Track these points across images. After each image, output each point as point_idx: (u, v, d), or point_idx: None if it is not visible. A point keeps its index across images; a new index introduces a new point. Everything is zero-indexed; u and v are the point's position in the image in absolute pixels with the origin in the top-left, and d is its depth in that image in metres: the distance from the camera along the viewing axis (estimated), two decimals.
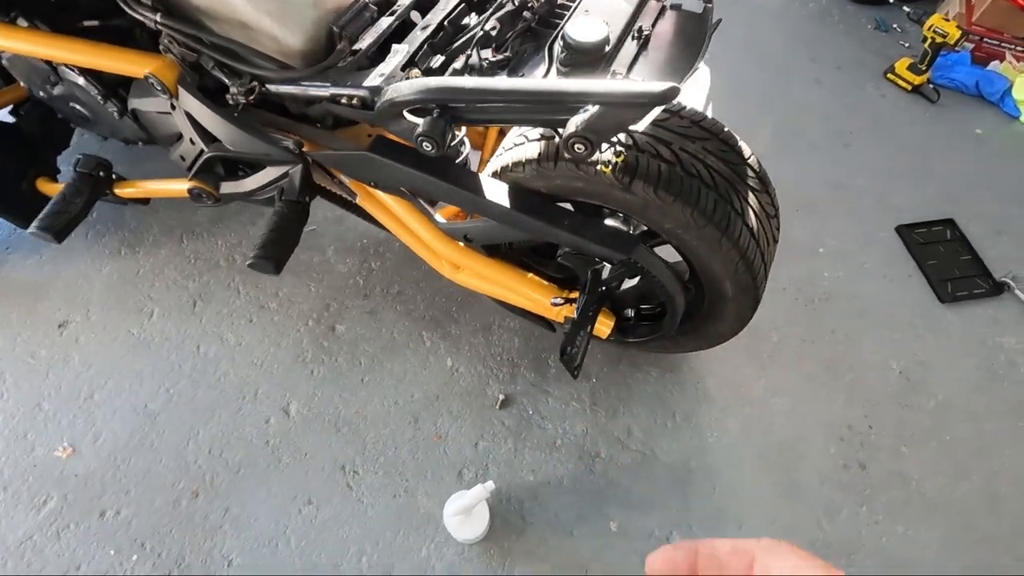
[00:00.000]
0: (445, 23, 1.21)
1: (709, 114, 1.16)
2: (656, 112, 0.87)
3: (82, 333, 1.78)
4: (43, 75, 1.59)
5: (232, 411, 1.66)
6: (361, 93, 1.15)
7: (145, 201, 1.75)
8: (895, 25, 2.71)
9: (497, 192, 1.21)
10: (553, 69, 0.92)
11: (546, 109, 0.81)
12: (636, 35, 0.98)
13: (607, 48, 0.92)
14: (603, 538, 1.49)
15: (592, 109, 0.78)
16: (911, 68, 2.42)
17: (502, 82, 0.80)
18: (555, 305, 1.26)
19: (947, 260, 1.96)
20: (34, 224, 1.51)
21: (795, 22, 2.72)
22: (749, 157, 1.22)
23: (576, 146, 0.83)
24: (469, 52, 1.02)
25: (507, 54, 1.01)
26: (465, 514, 1.25)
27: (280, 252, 1.34)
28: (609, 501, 1.54)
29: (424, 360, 1.75)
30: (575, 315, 1.17)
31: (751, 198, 1.19)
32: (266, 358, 1.75)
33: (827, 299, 1.89)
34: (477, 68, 0.99)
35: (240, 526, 1.50)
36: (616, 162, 1.10)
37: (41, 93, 1.66)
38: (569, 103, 0.76)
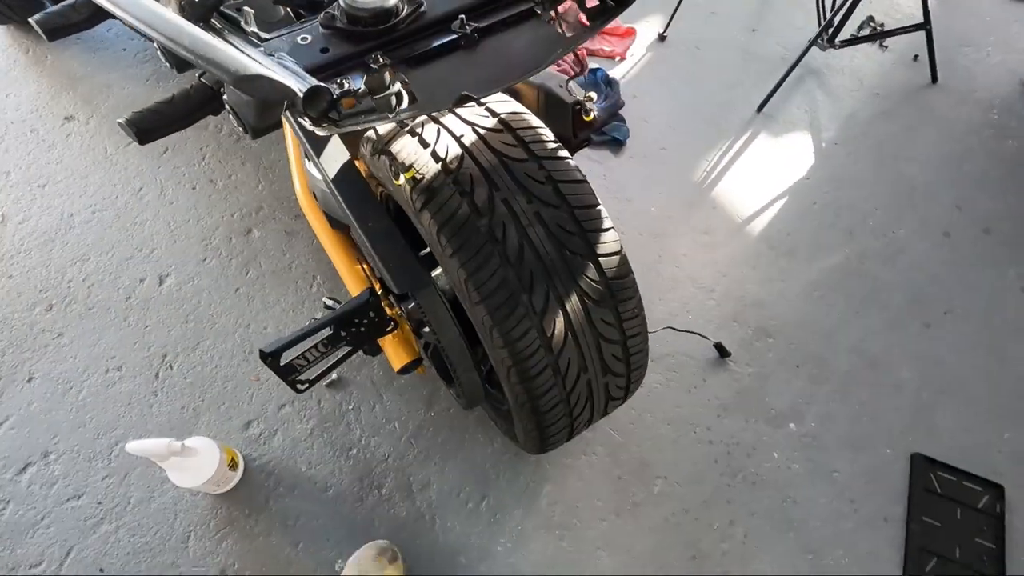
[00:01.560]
0: None
1: None
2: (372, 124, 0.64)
3: (76, 132, 1.95)
4: None
5: (124, 256, 1.71)
6: None
7: None
8: None
9: (334, 155, 1.04)
10: (313, 25, 0.72)
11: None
12: (459, 29, 0.72)
13: (392, 21, 0.69)
14: (320, 567, 1.32)
15: None
16: None
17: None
18: (326, 306, 1.08)
19: (955, 534, 1.39)
20: (37, 15, 1.62)
21: (972, 151, 2.04)
22: (606, 256, 0.91)
23: (231, 116, 0.64)
24: None
25: None
26: (180, 457, 1.15)
27: (152, 126, 1.27)
28: (353, 537, 1.35)
29: (299, 303, 1.66)
30: (316, 322, 0.98)
31: (573, 303, 0.89)
32: (182, 225, 1.77)
33: (755, 484, 1.45)
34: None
35: (58, 356, 1.56)
36: (405, 177, 0.87)
37: None
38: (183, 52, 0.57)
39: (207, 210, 1.80)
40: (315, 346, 0.99)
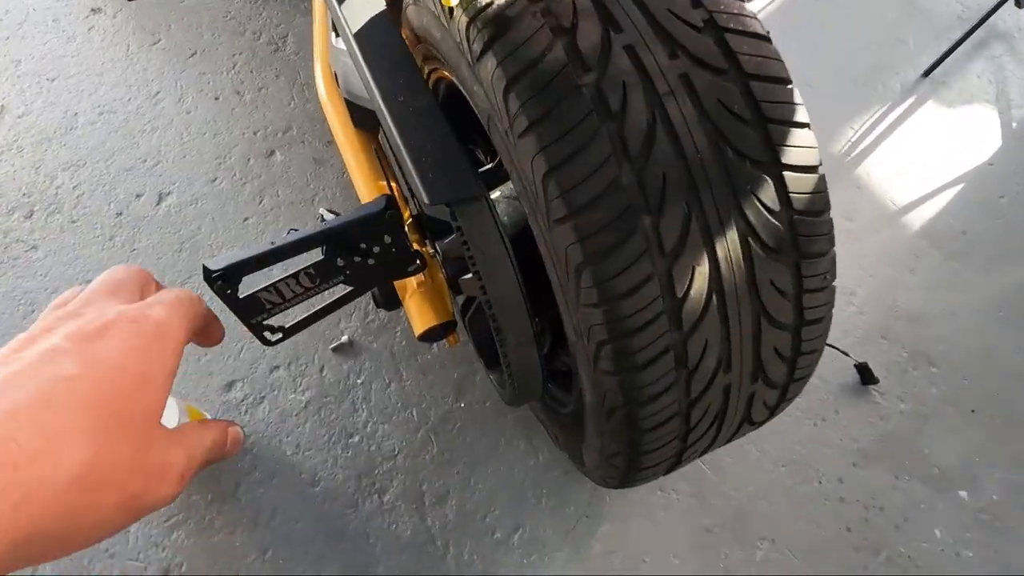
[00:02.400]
0: None
1: None
2: None
3: (99, 25, 1.69)
4: None
5: (124, 166, 1.43)
6: None
7: None
8: None
9: (363, 3, 0.69)
10: None
11: None
12: None
13: None
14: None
15: None
16: None
17: None
18: (322, 220, 0.73)
19: None
20: None
21: None
22: (796, 170, 0.51)
23: None
24: None
25: None
26: None
27: None
28: (337, 552, 1.01)
29: None
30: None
31: (729, 245, 0.50)
32: (196, 138, 1.48)
33: (906, 570, 1.01)
34: None
35: (27, 271, 1.29)
36: None
37: None
38: None
39: (227, 125, 1.50)
40: (296, 276, 0.64)
